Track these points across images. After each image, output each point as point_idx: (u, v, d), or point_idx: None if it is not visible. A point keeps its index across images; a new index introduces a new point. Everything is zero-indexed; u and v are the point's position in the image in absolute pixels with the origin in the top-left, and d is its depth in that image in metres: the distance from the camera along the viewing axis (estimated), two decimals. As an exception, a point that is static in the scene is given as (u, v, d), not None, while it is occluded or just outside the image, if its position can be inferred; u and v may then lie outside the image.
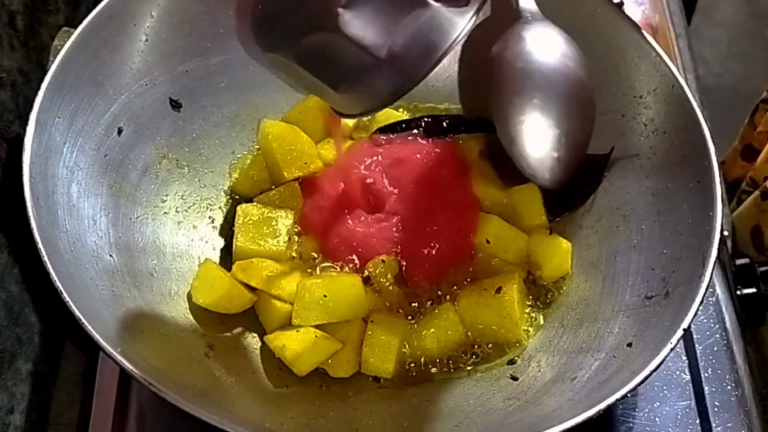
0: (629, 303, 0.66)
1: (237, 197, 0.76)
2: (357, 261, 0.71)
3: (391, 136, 0.77)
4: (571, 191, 0.76)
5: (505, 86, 0.59)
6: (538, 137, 0.57)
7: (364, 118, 0.79)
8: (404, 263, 0.71)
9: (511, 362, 0.69)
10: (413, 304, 0.71)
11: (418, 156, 0.76)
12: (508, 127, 0.57)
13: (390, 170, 0.75)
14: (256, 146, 0.79)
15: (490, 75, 0.60)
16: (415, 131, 0.78)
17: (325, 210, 0.73)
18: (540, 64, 0.59)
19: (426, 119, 0.78)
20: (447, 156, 0.76)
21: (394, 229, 0.72)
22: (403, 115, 0.80)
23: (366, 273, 0.70)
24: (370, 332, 0.68)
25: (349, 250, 0.71)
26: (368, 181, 0.74)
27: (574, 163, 0.58)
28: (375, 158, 0.76)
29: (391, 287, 0.70)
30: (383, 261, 0.70)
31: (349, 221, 0.72)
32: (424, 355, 0.69)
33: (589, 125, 0.61)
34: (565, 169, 0.58)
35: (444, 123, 0.78)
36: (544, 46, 0.60)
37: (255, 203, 0.73)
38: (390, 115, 0.79)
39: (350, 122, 0.79)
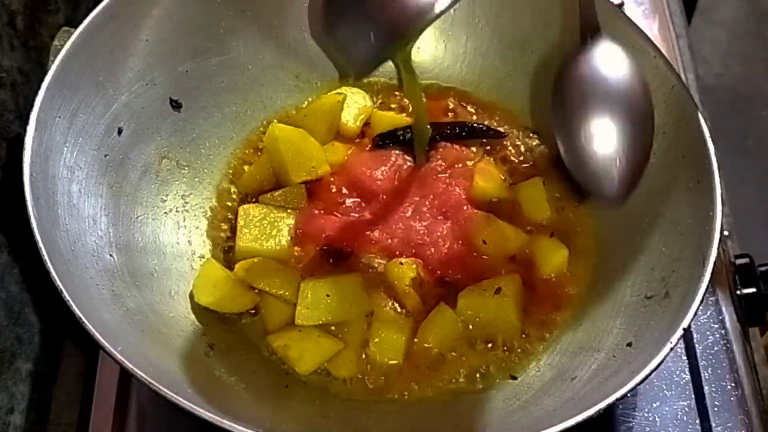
0: (629, 303, 0.66)
1: (238, 197, 0.76)
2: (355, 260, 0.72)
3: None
4: (576, 186, 0.76)
5: (568, 102, 0.61)
6: (600, 153, 0.59)
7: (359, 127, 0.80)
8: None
9: (511, 362, 0.69)
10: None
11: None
12: (570, 143, 0.59)
13: (389, 176, 0.75)
14: (257, 146, 0.79)
15: (555, 92, 0.62)
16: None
17: (325, 218, 0.73)
18: (602, 83, 0.61)
19: (428, 126, 0.78)
20: (446, 161, 0.77)
21: (393, 231, 0.72)
22: (404, 119, 0.80)
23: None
24: (376, 330, 0.68)
25: (349, 250, 0.72)
26: (370, 186, 0.74)
27: (634, 179, 0.59)
28: (377, 164, 0.76)
29: (407, 289, 0.70)
30: (401, 263, 0.70)
31: (350, 225, 0.72)
32: (425, 355, 0.69)
33: (648, 145, 0.61)
34: (627, 184, 0.59)
35: (447, 130, 0.78)
36: (607, 67, 0.62)
37: (257, 204, 0.73)
38: (392, 120, 0.79)
39: (352, 127, 0.79)
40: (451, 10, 0.81)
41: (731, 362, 0.74)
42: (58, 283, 0.57)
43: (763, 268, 0.80)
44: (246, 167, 0.77)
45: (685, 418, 0.71)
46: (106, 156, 0.69)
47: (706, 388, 0.72)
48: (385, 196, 0.75)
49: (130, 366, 0.55)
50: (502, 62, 0.81)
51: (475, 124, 0.79)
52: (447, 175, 0.76)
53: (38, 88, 0.63)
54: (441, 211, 0.74)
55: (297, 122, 0.77)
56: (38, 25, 0.74)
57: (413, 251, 0.72)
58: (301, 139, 0.74)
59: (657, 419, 0.71)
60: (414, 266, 0.71)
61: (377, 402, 0.67)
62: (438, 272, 0.71)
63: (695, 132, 0.67)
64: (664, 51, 0.71)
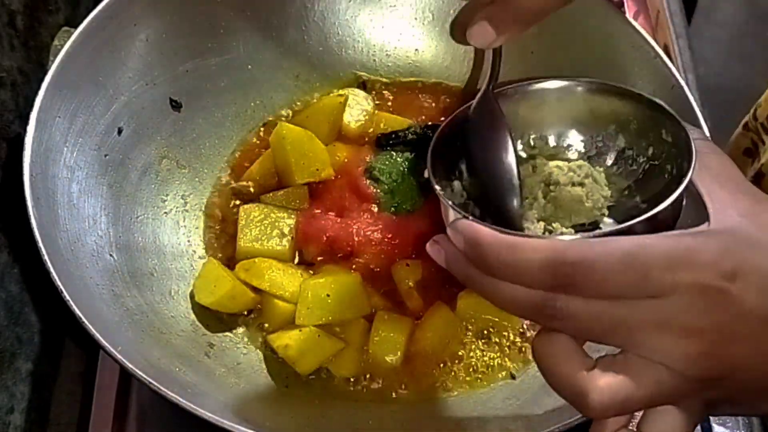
0: (629, 303, 0.66)
1: (238, 197, 0.76)
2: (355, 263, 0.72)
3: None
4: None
5: None
6: None
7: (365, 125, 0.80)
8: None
9: (511, 362, 0.69)
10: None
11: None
12: None
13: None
14: (257, 146, 0.79)
15: None
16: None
17: (326, 218, 0.73)
18: None
19: (427, 127, 0.78)
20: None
21: (394, 232, 0.72)
22: (405, 120, 0.80)
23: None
24: (376, 330, 0.68)
25: (350, 250, 0.72)
26: (370, 189, 0.75)
27: None
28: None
29: (410, 290, 0.70)
30: (407, 265, 0.70)
31: (350, 226, 0.72)
32: (424, 355, 0.69)
33: None
34: None
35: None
36: None
37: (258, 204, 0.73)
38: (393, 121, 0.79)
39: (354, 128, 0.79)
40: (451, 10, 0.82)
41: (731, 362, 0.74)
42: (58, 283, 0.57)
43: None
44: (246, 167, 0.77)
45: (685, 418, 0.71)
46: (106, 156, 0.69)
47: (706, 388, 0.72)
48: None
49: (130, 366, 0.55)
50: (503, 62, 0.81)
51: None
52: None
53: (38, 88, 0.63)
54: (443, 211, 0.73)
55: (298, 123, 0.77)
56: (38, 25, 0.74)
57: (414, 252, 0.72)
58: (307, 140, 0.74)
59: (657, 419, 0.70)
60: (420, 268, 0.71)
61: (377, 402, 0.67)
62: (439, 272, 0.71)
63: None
64: (664, 51, 0.71)
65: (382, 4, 0.82)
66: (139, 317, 0.63)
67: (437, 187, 0.52)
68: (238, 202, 0.75)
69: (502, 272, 0.42)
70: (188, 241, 0.73)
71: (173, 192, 0.74)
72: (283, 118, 0.80)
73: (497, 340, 0.70)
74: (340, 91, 0.81)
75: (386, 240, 0.72)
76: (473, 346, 0.69)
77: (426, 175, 0.53)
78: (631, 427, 0.44)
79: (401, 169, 0.75)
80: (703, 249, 0.40)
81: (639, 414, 0.44)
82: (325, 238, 0.72)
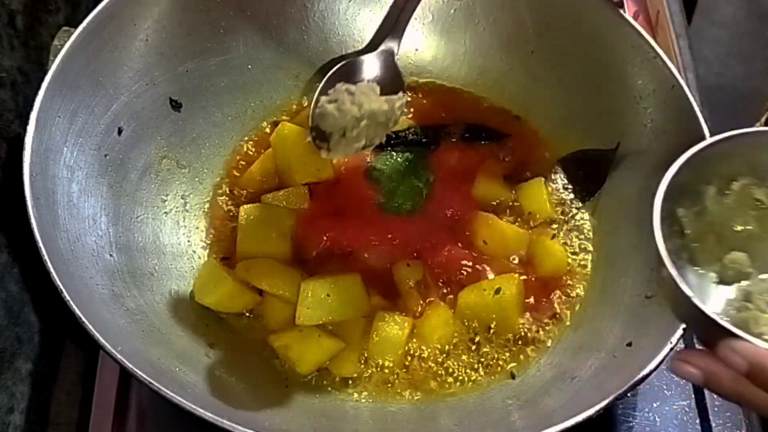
0: (629, 303, 0.66)
1: (238, 197, 0.76)
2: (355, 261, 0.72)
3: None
4: (578, 187, 0.76)
5: None
6: None
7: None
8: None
9: (511, 361, 0.69)
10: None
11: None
12: None
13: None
14: (257, 146, 0.79)
15: None
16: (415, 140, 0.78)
17: (326, 218, 0.73)
18: None
19: (429, 127, 0.78)
20: (449, 162, 0.77)
21: (394, 232, 0.73)
22: (406, 120, 0.80)
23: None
24: (376, 330, 0.68)
25: (349, 250, 0.72)
26: (370, 190, 0.75)
27: None
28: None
29: (411, 290, 0.70)
30: (408, 265, 0.70)
31: (350, 226, 0.72)
32: (424, 355, 0.69)
33: None
34: None
35: (446, 131, 0.78)
36: None
37: (259, 204, 0.73)
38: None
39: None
40: (451, 10, 0.82)
41: (731, 362, 0.74)
42: (58, 283, 0.57)
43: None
44: (246, 167, 0.77)
45: (685, 418, 0.71)
46: (106, 156, 0.69)
47: (706, 387, 0.72)
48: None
49: (130, 366, 0.55)
50: (503, 62, 0.81)
51: (478, 126, 0.79)
52: (449, 176, 0.76)
53: (38, 88, 0.63)
54: (443, 211, 0.74)
55: (298, 123, 0.77)
56: (38, 25, 0.74)
57: (414, 252, 0.72)
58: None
59: (657, 419, 0.71)
60: (421, 268, 0.71)
61: (377, 402, 0.67)
62: (439, 272, 0.71)
63: (695, 132, 0.67)
64: (664, 51, 0.71)
65: (382, 4, 0.82)
66: (139, 317, 0.63)
67: (677, 275, 0.47)
68: (238, 202, 0.75)
69: None
70: (188, 241, 0.73)
71: (173, 192, 0.74)
72: (284, 118, 0.80)
73: (497, 340, 0.69)
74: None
75: (386, 240, 0.72)
76: (473, 346, 0.69)
77: (660, 243, 0.48)
78: None
79: (401, 169, 0.75)
80: None
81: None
82: (325, 238, 0.72)
